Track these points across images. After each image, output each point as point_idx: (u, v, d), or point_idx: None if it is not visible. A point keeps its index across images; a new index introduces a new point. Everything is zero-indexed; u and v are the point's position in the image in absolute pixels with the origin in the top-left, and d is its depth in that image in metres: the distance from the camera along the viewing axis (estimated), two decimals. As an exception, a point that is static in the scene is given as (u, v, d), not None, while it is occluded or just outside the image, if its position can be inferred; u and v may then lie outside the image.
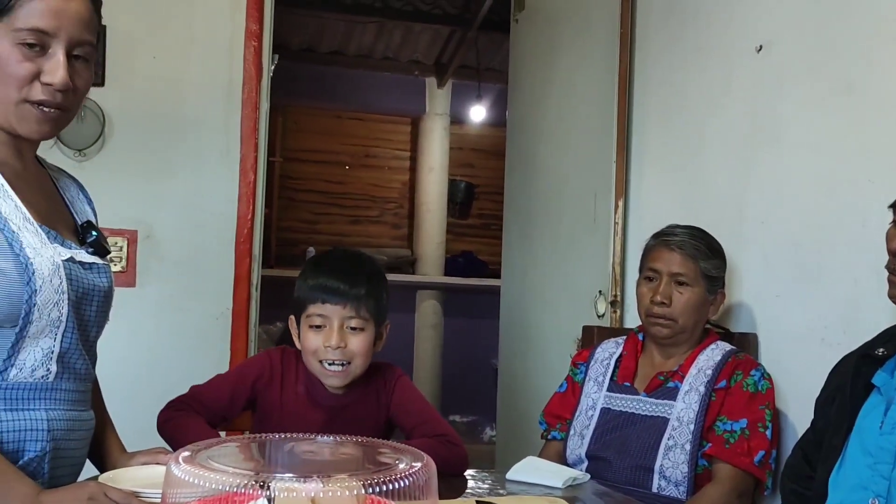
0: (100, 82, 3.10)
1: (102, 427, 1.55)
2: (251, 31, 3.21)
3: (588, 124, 3.05)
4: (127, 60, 3.14)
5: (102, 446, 1.55)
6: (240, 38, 3.21)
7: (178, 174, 3.19)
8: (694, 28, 2.63)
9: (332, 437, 1.09)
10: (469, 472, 1.69)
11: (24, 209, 1.30)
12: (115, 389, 3.09)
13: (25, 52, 1.23)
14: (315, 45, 6.52)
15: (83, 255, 1.37)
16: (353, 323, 1.73)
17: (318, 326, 1.74)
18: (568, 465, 1.95)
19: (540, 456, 1.99)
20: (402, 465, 1.02)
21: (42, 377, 1.30)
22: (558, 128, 3.30)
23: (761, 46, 2.29)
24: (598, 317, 2.80)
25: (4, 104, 1.26)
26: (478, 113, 6.95)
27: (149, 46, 3.15)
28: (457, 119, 7.11)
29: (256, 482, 0.92)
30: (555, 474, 1.62)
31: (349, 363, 1.73)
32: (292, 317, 1.82)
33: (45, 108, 1.26)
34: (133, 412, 3.09)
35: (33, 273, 1.25)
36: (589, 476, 1.70)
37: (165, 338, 3.15)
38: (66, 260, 1.32)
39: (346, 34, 6.39)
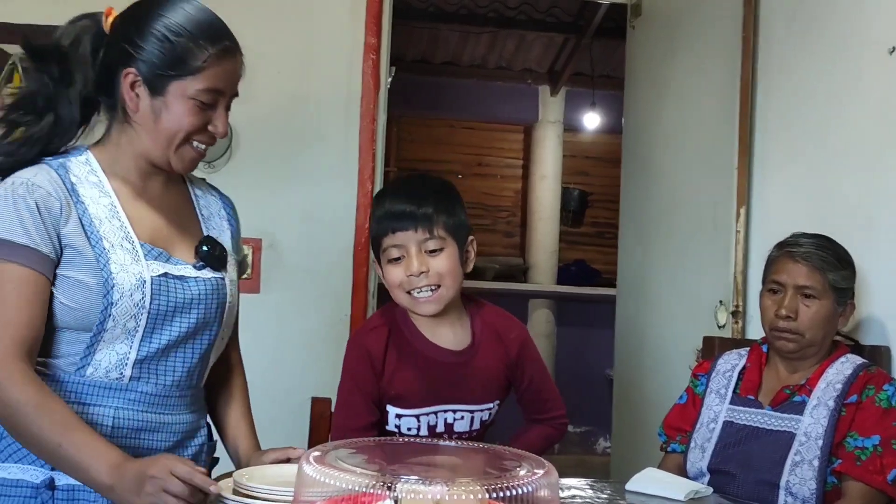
0: (229, 97, 3.24)
1: (238, 423, 1.65)
2: (370, 44, 3.29)
3: (707, 130, 2.98)
4: (252, 76, 3.22)
5: (237, 442, 1.63)
6: (359, 52, 3.30)
7: (300, 185, 3.30)
8: (820, 31, 2.54)
9: (454, 442, 1.10)
10: (586, 482, 1.68)
11: (130, 228, 1.44)
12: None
13: (200, 105, 1.43)
14: (429, 57, 6.61)
15: (185, 270, 1.47)
16: (431, 245, 1.65)
17: (397, 259, 1.66)
18: (688, 478, 1.91)
19: (659, 468, 1.96)
20: (523, 472, 1.03)
21: (116, 378, 1.41)
22: (676, 134, 3.25)
23: (895, 48, 2.20)
24: (719, 327, 2.74)
25: (166, 144, 1.44)
26: (592, 120, 6.90)
27: (273, 62, 3.27)
28: (570, 126, 7.07)
29: (384, 483, 0.95)
30: (676, 486, 1.59)
31: (438, 286, 1.66)
32: (374, 259, 1.77)
33: (201, 150, 1.48)
34: (256, 414, 3.22)
35: (112, 287, 1.38)
36: (712, 490, 1.66)
37: (287, 343, 3.26)
38: (160, 276, 1.43)
39: (460, 45, 6.46)
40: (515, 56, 6.66)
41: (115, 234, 1.42)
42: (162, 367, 1.46)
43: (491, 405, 1.81)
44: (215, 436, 1.65)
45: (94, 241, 1.40)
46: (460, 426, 1.78)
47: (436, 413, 1.76)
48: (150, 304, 1.41)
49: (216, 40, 1.45)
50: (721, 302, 2.76)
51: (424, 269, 1.64)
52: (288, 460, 1.47)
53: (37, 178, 1.40)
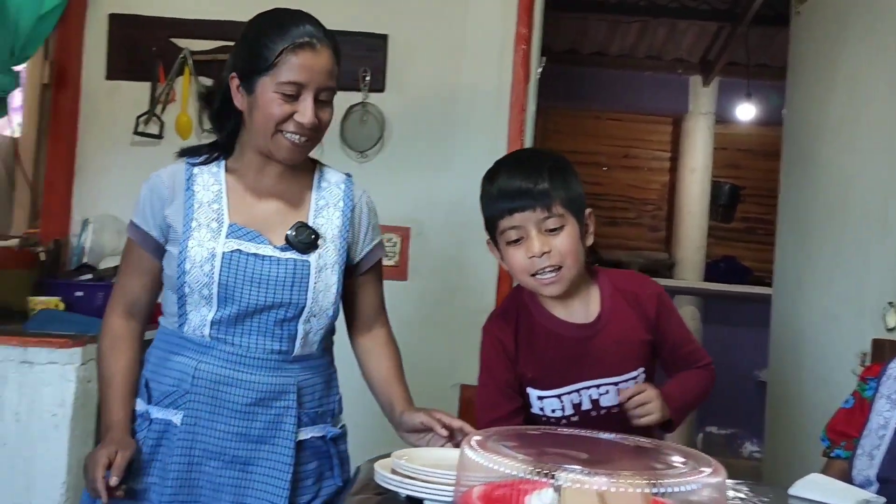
0: (380, 88, 3.31)
1: (389, 382, 1.79)
2: (521, 34, 3.28)
3: (880, 121, 2.80)
4: (405, 67, 3.33)
5: (390, 399, 1.77)
6: (510, 43, 3.29)
7: (448, 174, 3.33)
8: None
9: (615, 434, 1.08)
10: (745, 485, 1.61)
11: (225, 211, 1.63)
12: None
13: (284, 97, 1.56)
14: (577, 47, 6.53)
15: (265, 249, 1.60)
16: (550, 223, 1.59)
17: (516, 241, 1.61)
18: (854, 485, 1.81)
19: (822, 474, 1.85)
20: (689, 468, 1.00)
21: (201, 336, 1.62)
22: (845, 125, 3.06)
23: None
24: (888, 330, 2.57)
25: (264, 136, 1.59)
26: (746, 112, 6.61)
27: (425, 53, 3.32)
28: (722, 118, 6.82)
29: (545, 471, 0.94)
30: (844, 494, 1.50)
31: (560, 266, 1.61)
32: (489, 241, 1.71)
33: (295, 140, 1.58)
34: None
35: (185, 259, 1.59)
36: (884, 500, 1.56)
37: (433, 330, 3.30)
38: (231, 251, 1.59)
39: (609, 34, 6.34)
40: (666, 45, 6.48)
41: (209, 215, 1.62)
42: (238, 331, 1.61)
43: (635, 373, 1.73)
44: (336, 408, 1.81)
45: (187, 220, 1.61)
46: (607, 400, 1.72)
47: (577, 391, 1.72)
48: (220, 275, 1.58)
49: (289, 36, 1.55)
50: (891, 303, 2.59)
51: (546, 249, 1.59)
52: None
53: (163, 171, 1.68)
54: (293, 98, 1.56)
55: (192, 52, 3.32)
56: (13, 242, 2.76)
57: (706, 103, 6.73)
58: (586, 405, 1.72)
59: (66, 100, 3.34)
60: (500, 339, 1.74)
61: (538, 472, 0.94)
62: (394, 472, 1.28)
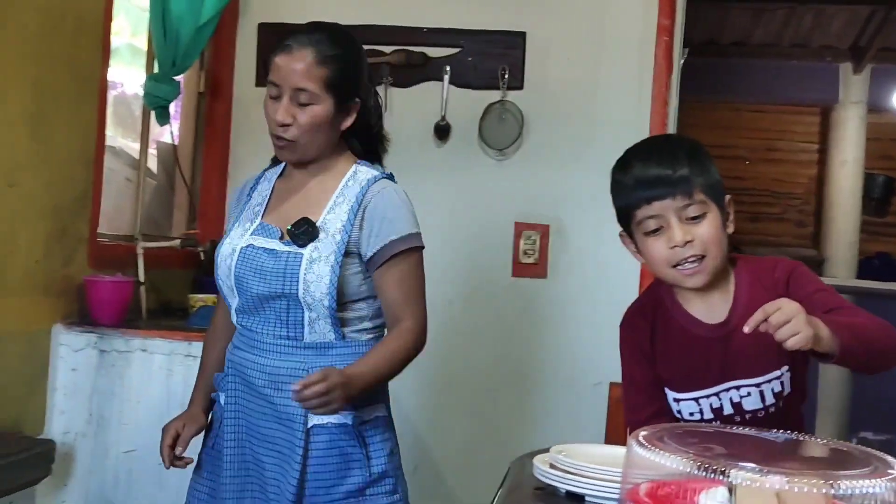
0: (519, 86, 3.31)
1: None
2: (662, 26, 3.20)
3: None
4: (543, 64, 3.31)
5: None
6: (651, 35, 3.22)
7: (588, 170, 3.28)
8: None
9: (787, 433, 1.05)
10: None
11: (262, 210, 1.76)
12: (527, 375, 3.30)
13: (271, 99, 1.69)
14: (717, 37, 6.33)
15: (274, 244, 1.69)
16: (692, 211, 1.50)
17: (655, 231, 1.52)
18: None
19: None
20: (871, 471, 0.95)
21: (234, 324, 1.78)
22: None
23: None
24: None
25: (271, 137, 1.74)
26: (902, 100, 6.25)
27: (563, 49, 3.29)
28: (876, 107, 6.45)
29: (718, 469, 0.91)
30: None
31: (704, 256, 1.51)
32: (622, 233, 1.63)
33: (277, 140, 1.70)
34: (544, 399, 3.27)
35: (218, 253, 1.76)
36: None
37: (574, 328, 3.28)
38: (246, 246, 1.70)
39: (752, 23, 6.11)
40: (813, 32, 6.18)
41: (250, 214, 1.78)
42: (255, 319, 1.72)
43: (779, 373, 1.59)
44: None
45: (234, 219, 1.81)
46: (750, 404, 1.60)
47: (717, 394, 1.61)
48: (236, 267, 1.70)
49: (281, 42, 1.68)
50: None
51: (689, 238, 1.50)
52: None
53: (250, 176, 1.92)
54: (277, 99, 1.67)
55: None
56: (176, 243, 2.92)
57: (858, 92, 6.39)
58: (728, 409, 1.62)
59: (220, 107, 3.51)
60: (636, 339, 1.68)
61: (711, 470, 0.92)
62: (553, 467, 1.27)
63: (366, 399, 1.68)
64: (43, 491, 2.45)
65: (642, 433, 0.97)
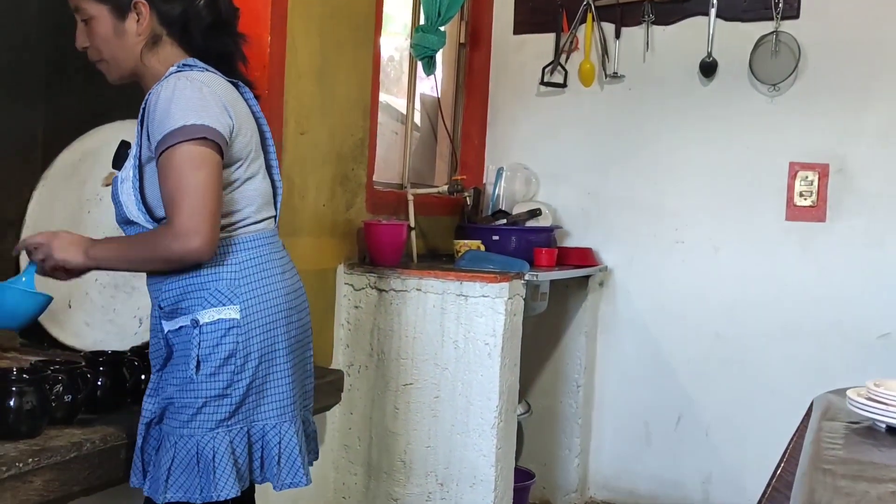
0: (794, 14, 3.09)
1: None
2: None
3: None
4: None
5: None
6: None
7: (874, 105, 3.01)
8: None
9: None
10: None
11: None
12: (801, 325, 3.10)
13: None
14: None
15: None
16: None
17: None
18: None
19: None
20: None
21: None
22: None
23: None
24: None
25: None
26: None
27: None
28: None
29: None
30: None
31: None
32: None
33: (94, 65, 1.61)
34: (820, 350, 3.06)
35: None
36: None
37: (856, 275, 3.03)
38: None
39: None
40: None
41: None
42: None
43: None
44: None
45: None
46: None
47: None
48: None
49: None
50: None
51: None
52: None
53: None
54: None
55: (595, -1, 3.36)
56: (444, 189, 3.02)
57: None
58: None
59: (479, 56, 3.57)
60: None
61: None
62: (871, 400, 1.18)
63: (169, 314, 1.56)
64: (332, 418, 2.65)
65: None
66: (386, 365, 2.61)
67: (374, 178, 2.86)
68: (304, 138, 2.42)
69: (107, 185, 1.78)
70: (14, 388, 1.48)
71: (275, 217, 1.66)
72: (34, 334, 2.29)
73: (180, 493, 1.48)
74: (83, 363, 1.69)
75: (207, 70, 1.54)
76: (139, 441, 1.55)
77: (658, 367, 3.35)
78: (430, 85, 3.38)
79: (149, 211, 1.53)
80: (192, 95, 1.46)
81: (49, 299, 1.72)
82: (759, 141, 3.16)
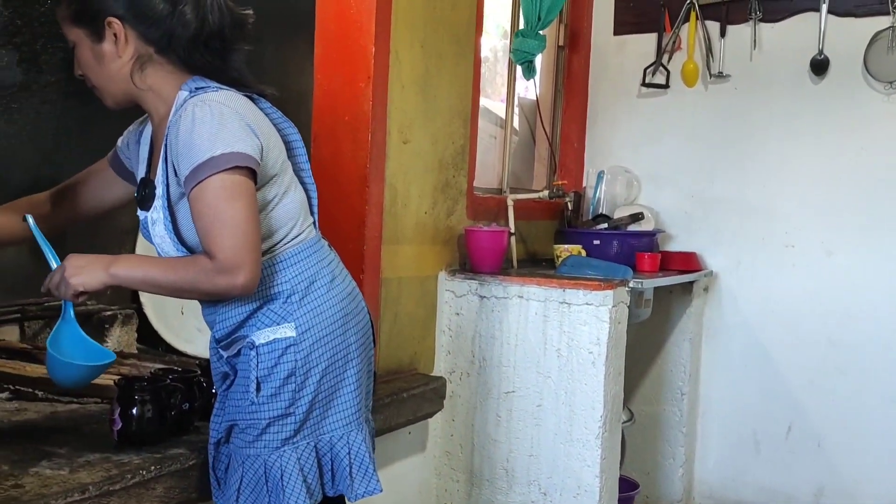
0: None
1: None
2: None
3: None
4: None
5: None
6: None
7: None
8: None
9: None
10: None
11: (140, 174, 1.59)
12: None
13: None
14: None
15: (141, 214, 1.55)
16: None
17: None
18: None
19: None
20: None
21: None
22: None
23: None
24: None
25: None
26: None
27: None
28: None
29: None
30: None
31: None
32: None
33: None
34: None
35: None
36: None
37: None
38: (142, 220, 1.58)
39: None
40: None
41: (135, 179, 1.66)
42: None
43: None
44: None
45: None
46: None
47: None
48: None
49: None
50: None
51: None
52: None
53: None
54: None
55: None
56: (544, 194, 3.00)
57: None
58: None
59: (579, 59, 3.53)
60: None
61: None
62: None
63: (225, 340, 1.53)
64: (434, 424, 2.66)
65: None
66: (488, 372, 2.61)
67: (474, 184, 2.86)
68: (407, 147, 2.44)
69: None
70: (137, 398, 1.54)
71: (314, 222, 1.60)
72: (150, 339, 2.38)
73: None
74: (198, 371, 1.75)
75: (221, 88, 1.45)
76: (210, 461, 1.54)
77: (767, 375, 3.25)
78: (527, 86, 3.36)
79: (190, 250, 1.47)
80: (213, 122, 1.37)
81: (97, 367, 1.53)
82: (874, 141, 3.03)
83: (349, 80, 2.26)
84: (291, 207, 1.52)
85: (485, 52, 3.12)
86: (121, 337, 2.28)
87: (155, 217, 1.49)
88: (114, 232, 2.13)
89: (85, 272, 1.43)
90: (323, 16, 2.30)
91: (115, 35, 1.44)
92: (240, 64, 1.51)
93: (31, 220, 1.54)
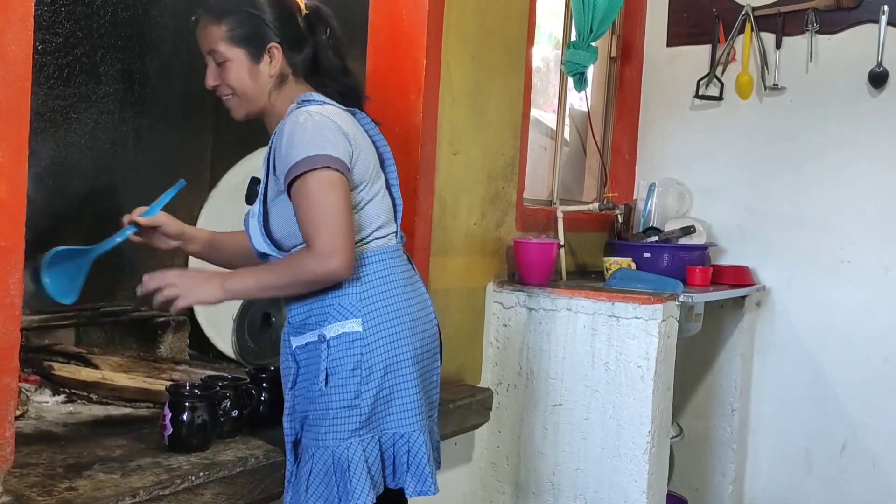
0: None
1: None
2: None
3: None
4: None
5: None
6: None
7: None
8: None
9: None
10: None
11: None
12: None
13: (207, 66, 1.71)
14: None
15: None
16: None
17: None
18: None
19: None
20: None
21: None
22: None
23: None
24: None
25: None
26: None
27: None
28: None
29: None
30: None
31: None
32: None
33: (222, 102, 1.70)
34: None
35: None
36: None
37: None
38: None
39: None
40: None
41: None
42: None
43: None
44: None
45: None
46: None
47: None
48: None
49: None
50: None
51: None
52: None
53: None
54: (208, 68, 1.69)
55: (754, 8, 3.23)
56: (594, 206, 2.98)
57: None
58: None
59: (631, 70, 3.51)
60: None
61: None
62: None
63: (297, 328, 1.63)
64: (480, 436, 2.66)
65: None
66: (535, 384, 2.60)
67: (524, 196, 2.86)
68: (457, 159, 2.44)
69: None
70: (187, 404, 1.57)
71: (396, 232, 1.71)
72: (201, 345, 2.42)
73: (320, 502, 1.54)
74: (248, 379, 1.78)
75: (325, 102, 1.63)
76: (289, 460, 1.61)
77: (820, 392, 3.18)
78: (578, 97, 3.35)
79: (277, 246, 1.62)
80: (312, 129, 1.54)
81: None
82: (937, 153, 2.96)
83: (400, 93, 2.27)
84: (375, 212, 1.65)
85: (536, 62, 3.12)
86: (173, 343, 2.33)
87: (254, 211, 1.66)
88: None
89: (201, 290, 1.59)
90: (375, 28, 2.32)
91: (270, 57, 1.65)
92: (353, 81, 1.73)
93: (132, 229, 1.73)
